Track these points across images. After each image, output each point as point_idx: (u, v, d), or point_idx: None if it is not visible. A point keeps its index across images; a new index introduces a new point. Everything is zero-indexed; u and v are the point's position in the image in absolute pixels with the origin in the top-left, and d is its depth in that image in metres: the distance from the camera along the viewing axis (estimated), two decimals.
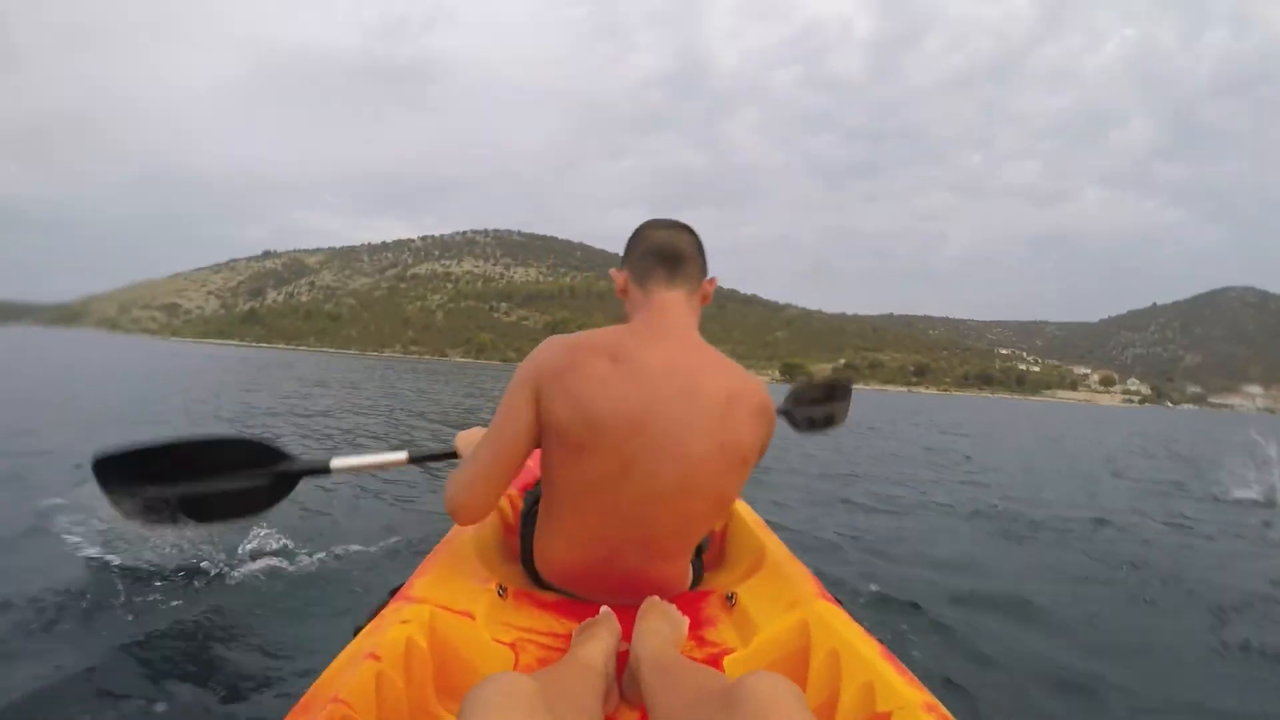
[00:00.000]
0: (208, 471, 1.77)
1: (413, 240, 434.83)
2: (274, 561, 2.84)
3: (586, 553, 1.46)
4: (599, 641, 1.23)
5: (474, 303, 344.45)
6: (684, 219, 1.53)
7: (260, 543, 2.98)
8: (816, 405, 2.92)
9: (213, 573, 2.69)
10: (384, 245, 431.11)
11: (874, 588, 3.07)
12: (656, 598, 1.44)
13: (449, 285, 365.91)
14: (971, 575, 3.47)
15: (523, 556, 1.65)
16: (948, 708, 1.00)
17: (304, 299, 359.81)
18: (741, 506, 2.03)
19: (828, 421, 2.86)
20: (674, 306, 1.46)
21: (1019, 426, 23.01)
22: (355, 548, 3.11)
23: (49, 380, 12.16)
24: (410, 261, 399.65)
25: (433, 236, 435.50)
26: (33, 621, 2.19)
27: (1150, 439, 19.72)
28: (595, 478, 1.35)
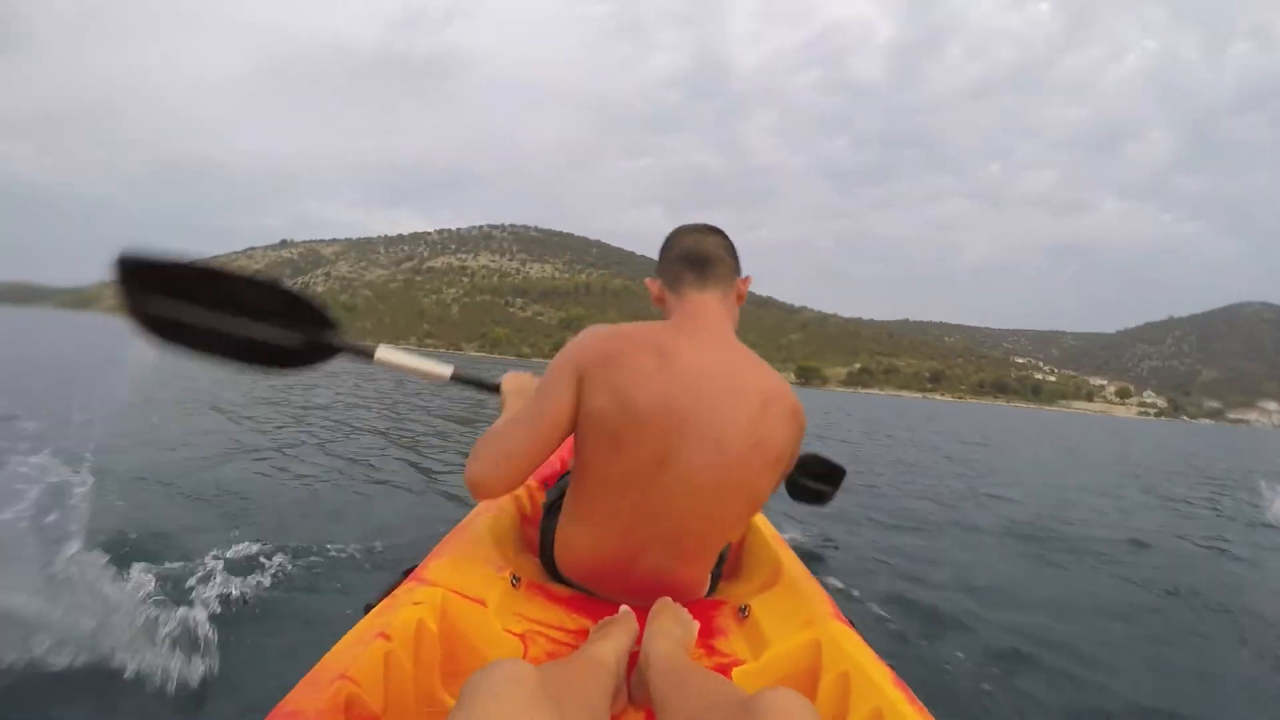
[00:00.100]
0: (243, 311, 1.62)
1: (429, 233, 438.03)
2: (280, 540, 2.85)
3: (611, 547, 1.45)
4: (613, 640, 1.21)
5: (489, 297, 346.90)
6: (699, 219, 1.47)
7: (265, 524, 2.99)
8: (814, 479, 3.01)
9: (219, 544, 2.69)
10: (400, 238, 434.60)
11: (896, 609, 2.87)
12: (669, 599, 1.43)
13: (465, 279, 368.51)
14: (1006, 602, 3.23)
15: (541, 549, 1.65)
16: None
17: (320, 289, 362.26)
18: (760, 520, 2.00)
19: (817, 497, 2.93)
20: (709, 307, 1.47)
21: (1038, 437, 22.62)
22: (363, 532, 3.13)
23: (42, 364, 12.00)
24: (426, 255, 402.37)
25: (449, 230, 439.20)
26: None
27: (1171, 453, 19.34)
28: (630, 470, 1.35)
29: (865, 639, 1.28)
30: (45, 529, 2.95)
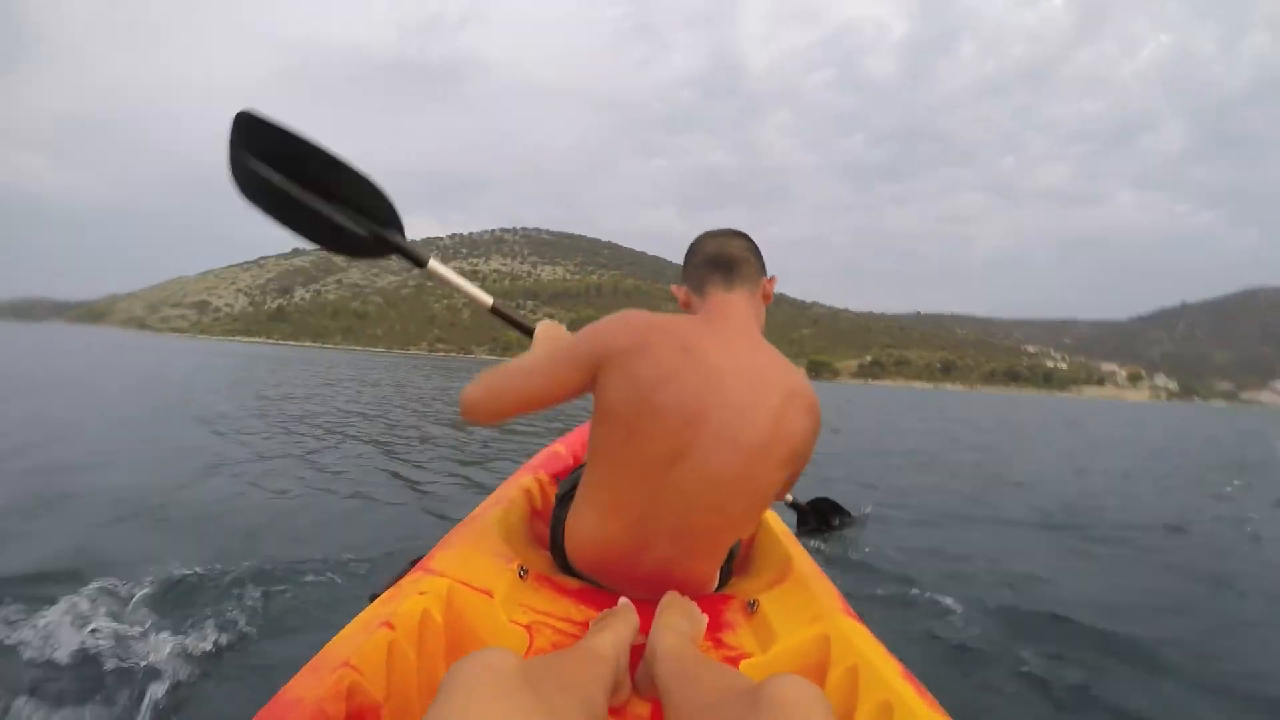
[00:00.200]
0: (325, 192, 1.72)
1: (441, 238, 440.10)
2: (281, 539, 2.90)
3: (620, 537, 1.44)
4: (611, 631, 1.20)
5: (501, 300, 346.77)
6: (714, 219, 1.46)
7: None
8: (822, 514, 3.30)
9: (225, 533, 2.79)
10: (413, 244, 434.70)
11: (910, 603, 2.77)
12: (676, 593, 1.42)
13: (476, 283, 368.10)
14: (1049, 594, 3.05)
15: (551, 540, 1.65)
16: None
17: (331, 297, 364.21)
18: (770, 516, 1.98)
19: (817, 531, 3.13)
20: (735, 306, 1.48)
21: (1053, 424, 22.20)
22: (363, 533, 3.14)
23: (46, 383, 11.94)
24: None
25: (461, 235, 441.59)
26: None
27: (1189, 436, 18.96)
28: (647, 459, 1.35)
29: (876, 634, 1.25)
30: (46, 530, 2.96)
